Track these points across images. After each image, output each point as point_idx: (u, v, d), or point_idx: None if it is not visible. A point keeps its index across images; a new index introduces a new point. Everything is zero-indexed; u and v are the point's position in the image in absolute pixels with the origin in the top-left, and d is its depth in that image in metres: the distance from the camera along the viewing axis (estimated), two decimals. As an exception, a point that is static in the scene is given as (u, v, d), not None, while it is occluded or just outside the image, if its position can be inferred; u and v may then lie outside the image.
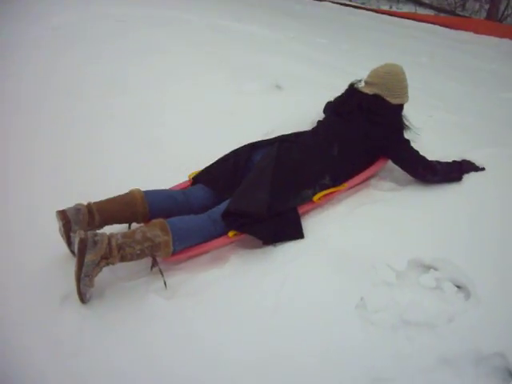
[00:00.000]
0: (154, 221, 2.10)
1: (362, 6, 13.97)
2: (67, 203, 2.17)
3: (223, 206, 2.21)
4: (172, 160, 2.88)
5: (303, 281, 2.11)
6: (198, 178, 2.49)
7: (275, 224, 2.16)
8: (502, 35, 12.54)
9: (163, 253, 2.06)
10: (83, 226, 2.08)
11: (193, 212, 2.27)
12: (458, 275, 2.13)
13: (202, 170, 2.52)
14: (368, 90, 2.59)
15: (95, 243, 1.88)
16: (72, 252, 2.10)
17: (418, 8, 14.58)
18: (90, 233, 1.92)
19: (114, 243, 1.93)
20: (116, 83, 3.83)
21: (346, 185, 2.47)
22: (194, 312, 1.99)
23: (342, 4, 13.76)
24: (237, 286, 2.12)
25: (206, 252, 2.26)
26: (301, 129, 2.83)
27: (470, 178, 2.63)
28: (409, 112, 2.77)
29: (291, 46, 5.75)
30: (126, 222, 2.28)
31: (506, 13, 14.47)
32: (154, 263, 2.07)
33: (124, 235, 2.00)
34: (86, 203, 2.17)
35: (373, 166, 2.60)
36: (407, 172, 2.58)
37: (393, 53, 7.75)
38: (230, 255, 2.26)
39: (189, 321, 1.96)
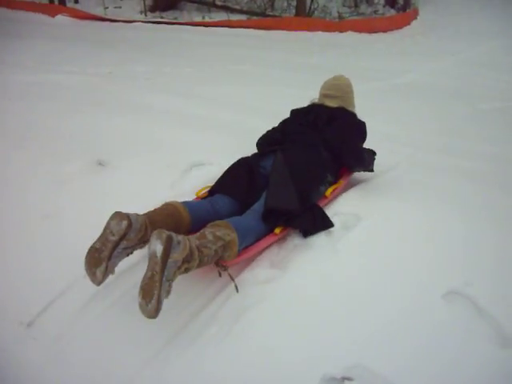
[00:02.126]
0: (217, 222, 1.99)
1: (176, 21, 13.67)
2: None
3: (257, 207, 2.23)
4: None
5: None
6: (215, 190, 2.42)
7: (309, 218, 2.25)
8: (312, 29, 13.11)
9: (232, 253, 1.94)
10: (136, 237, 1.83)
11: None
12: (378, 382, 1.63)
13: (217, 183, 2.46)
14: (332, 104, 2.84)
15: (178, 243, 1.70)
16: (103, 272, 1.74)
17: (230, 15, 14.65)
18: (171, 232, 1.70)
19: (193, 244, 1.76)
20: None
21: (342, 181, 2.70)
22: None
23: (154, 22, 13.32)
24: None
25: (259, 252, 2.15)
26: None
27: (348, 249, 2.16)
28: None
29: (109, 88, 4.81)
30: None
31: (312, 7, 15.16)
32: (223, 267, 1.94)
33: (197, 237, 1.85)
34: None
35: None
36: (350, 164, 2.73)
37: (215, 65, 7.47)
38: None
39: None
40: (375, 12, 16.82)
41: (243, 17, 14.67)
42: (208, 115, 4.03)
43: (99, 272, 1.73)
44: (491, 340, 1.67)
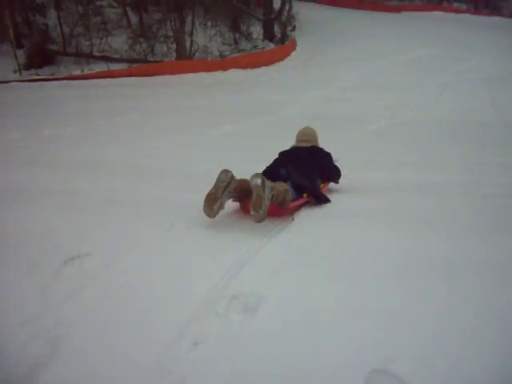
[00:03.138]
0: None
1: (53, 77, 13.13)
2: None
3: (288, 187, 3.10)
4: None
5: None
6: None
7: (319, 195, 3.36)
8: (195, 70, 13.15)
9: (288, 198, 2.96)
10: (233, 186, 2.87)
11: None
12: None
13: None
14: (307, 144, 3.89)
15: (266, 180, 2.78)
16: (219, 206, 2.79)
17: (110, 64, 14.32)
18: None
19: (271, 184, 2.83)
20: None
21: (326, 185, 3.77)
22: None
23: (30, 80, 12.72)
24: None
25: (296, 208, 3.15)
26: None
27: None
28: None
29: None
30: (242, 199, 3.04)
31: (193, 49, 15.26)
32: (288, 203, 2.99)
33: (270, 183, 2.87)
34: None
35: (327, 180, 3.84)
36: (330, 176, 3.78)
37: (99, 120, 7.13)
38: None
39: None
40: (255, 47, 17.33)
41: (124, 65, 14.41)
42: (91, 188, 3.54)
43: (216, 207, 2.77)
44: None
